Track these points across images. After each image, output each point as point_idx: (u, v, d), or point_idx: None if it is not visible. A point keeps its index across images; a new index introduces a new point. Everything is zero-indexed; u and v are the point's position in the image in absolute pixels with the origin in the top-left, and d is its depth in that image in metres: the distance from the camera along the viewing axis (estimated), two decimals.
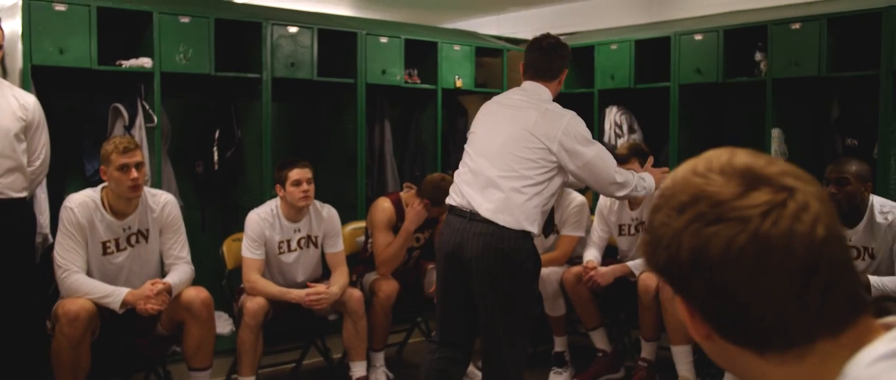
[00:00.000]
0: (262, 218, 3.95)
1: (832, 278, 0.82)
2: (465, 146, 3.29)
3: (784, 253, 0.81)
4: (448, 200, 3.23)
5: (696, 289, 0.85)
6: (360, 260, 4.54)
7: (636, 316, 4.22)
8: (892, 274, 3.34)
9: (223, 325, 4.28)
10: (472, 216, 3.06)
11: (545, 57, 3.23)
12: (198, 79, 4.45)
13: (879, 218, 3.37)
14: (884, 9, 4.05)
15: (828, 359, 0.84)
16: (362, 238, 4.58)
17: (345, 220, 4.74)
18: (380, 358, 4.22)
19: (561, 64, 3.22)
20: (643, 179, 3.26)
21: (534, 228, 3.05)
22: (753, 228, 0.81)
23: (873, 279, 3.25)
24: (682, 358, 4.02)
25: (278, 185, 3.95)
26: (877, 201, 3.43)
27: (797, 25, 4.43)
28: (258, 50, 4.59)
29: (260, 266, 3.92)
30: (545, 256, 4.07)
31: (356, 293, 4.01)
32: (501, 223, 3.00)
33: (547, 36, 3.28)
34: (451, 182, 4.27)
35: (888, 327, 0.86)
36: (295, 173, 3.88)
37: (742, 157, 0.87)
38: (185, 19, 4.26)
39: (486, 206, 3.02)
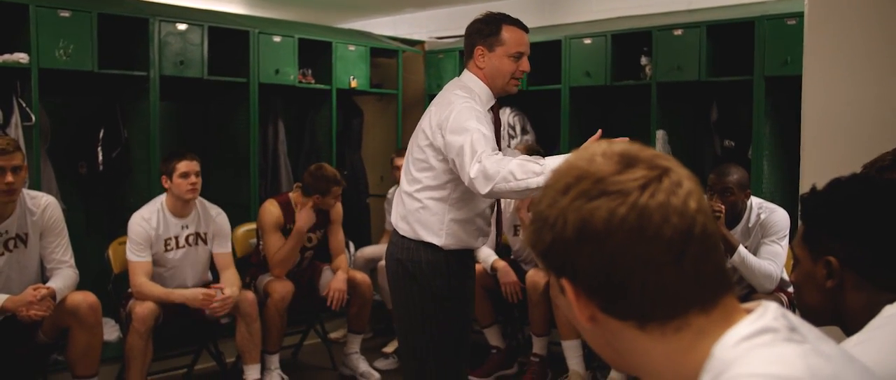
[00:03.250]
0: (146, 219, 3.85)
1: (704, 248, 0.89)
2: None
3: (661, 221, 0.87)
4: None
5: (582, 263, 0.90)
6: (252, 263, 4.46)
7: (527, 313, 4.33)
8: None
9: (110, 331, 4.12)
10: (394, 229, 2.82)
11: (464, 39, 2.81)
12: (80, 76, 4.27)
13: (754, 219, 3.58)
14: (756, 18, 4.30)
15: (701, 335, 0.90)
16: (255, 240, 4.52)
17: (237, 221, 4.66)
18: (274, 361, 4.17)
19: (472, 40, 2.72)
20: (531, 174, 2.34)
21: (438, 239, 2.66)
22: (633, 200, 0.88)
23: (741, 249, 3.46)
24: (572, 353, 4.15)
25: (165, 176, 3.87)
26: (754, 203, 3.64)
27: (679, 32, 4.64)
28: (145, 47, 4.45)
29: (147, 269, 3.81)
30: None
31: (249, 295, 3.96)
32: (401, 232, 2.73)
33: None
34: (328, 168, 4.26)
35: (750, 311, 0.93)
36: (183, 165, 3.82)
37: (619, 144, 0.95)
38: (66, 13, 4.08)
39: (393, 213, 2.80)
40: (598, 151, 0.93)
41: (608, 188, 0.89)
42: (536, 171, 2.30)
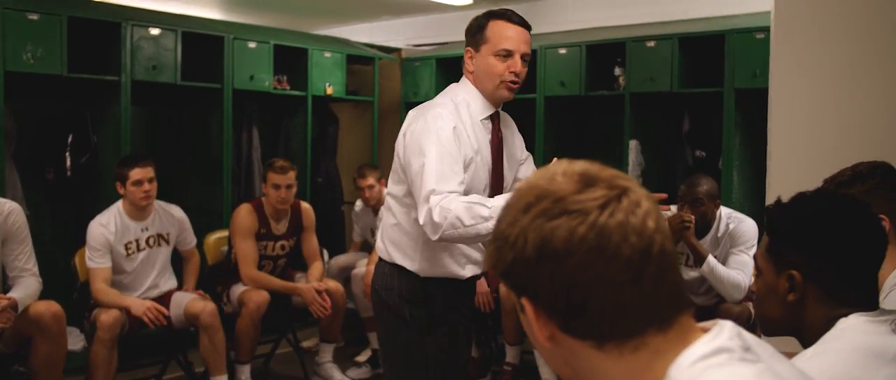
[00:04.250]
0: (104, 225, 3.83)
1: (662, 267, 0.90)
2: None
3: (620, 241, 0.88)
4: None
5: (542, 282, 0.90)
6: (224, 271, 4.42)
7: (501, 322, 4.33)
8: None
9: (74, 341, 4.05)
10: None
11: None
12: (49, 80, 4.23)
13: (723, 228, 3.61)
14: (727, 31, 4.35)
15: (658, 355, 0.91)
16: (227, 248, 4.48)
17: (209, 228, 4.63)
18: (246, 371, 4.13)
19: (466, 41, 2.41)
20: (478, 218, 2.06)
21: (412, 264, 2.32)
22: (592, 219, 0.88)
23: (710, 259, 3.49)
24: (544, 361, 4.15)
25: (119, 182, 3.85)
26: (724, 213, 3.67)
27: (652, 43, 4.68)
28: (117, 51, 4.41)
29: (106, 275, 3.80)
30: None
31: (209, 307, 3.90)
32: (379, 253, 2.43)
33: None
34: (282, 161, 4.23)
35: (706, 331, 0.94)
36: (136, 173, 3.81)
37: (580, 164, 0.95)
38: (34, 16, 4.04)
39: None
40: (558, 170, 0.94)
41: (569, 207, 0.89)
42: (484, 215, 2.03)
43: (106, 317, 3.61)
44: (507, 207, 0.95)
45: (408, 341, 2.36)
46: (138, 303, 3.77)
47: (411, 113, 2.35)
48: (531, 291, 0.92)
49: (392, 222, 2.36)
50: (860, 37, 2.53)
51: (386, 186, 4.78)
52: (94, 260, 3.78)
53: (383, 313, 2.41)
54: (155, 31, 4.57)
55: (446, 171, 2.15)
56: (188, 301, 3.93)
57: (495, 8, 2.35)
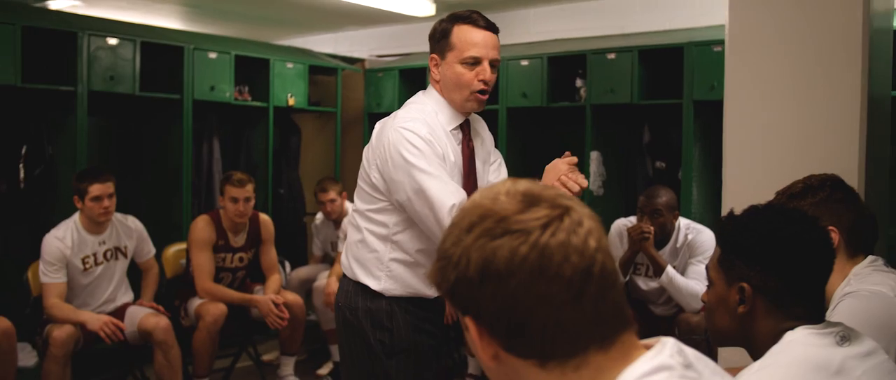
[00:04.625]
0: (60, 238, 3.76)
1: (603, 287, 0.90)
2: None
3: (561, 260, 0.88)
4: None
5: (485, 303, 0.90)
6: (183, 283, 4.36)
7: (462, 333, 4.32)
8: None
9: (27, 357, 3.97)
10: None
11: None
12: (2, 90, 4.15)
13: (682, 239, 3.66)
14: (685, 44, 4.42)
15: (600, 373, 0.91)
16: (185, 260, 4.42)
17: (168, 240, 4.56)
18: None
19: (430, 47, 2.27)
20: None
21: (376, 282, 2.21)
22: (534, 239, 0.88)
23: (669, 269, 3.53)
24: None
25: (76, 196, 3.79)
26: (683, 223, 3.72)
27: (613, 55, 4.73)
28: (73, 61, 4.34)
29: (60, 290, 3.72)
30: None
31: (163, 322, 3.84)
32: (343, 270, 2.32)
33: None
34: (240, 174, 4.17)
35: (649, 347, 0.94)
36: (95, 189, 3.75)
37: (524, 183, 0.95)
38: None
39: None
40: (502, 189, 0.94)
41: (511, 227, 0.89)
42: None
43: (59, 333, 3.53)
44: (452, 226, 0.95)
45: (371, 365, 2.24)
46: (94, 318, 3.70)
47: (378, 125, 2.24)
48: (475, 310, 0.92)
49: (357, 239, 2.24)
50: (811, 51, 2.57)
51: (347, 199, 4.83)
52: (49, 275, 3.70)
53: (345, 332, 2.29)
54: (113, 41, 4.51)
55: (446, 179, 2.07)
56: (141, 317, 3.86)
57: (461, 10, 2.22)
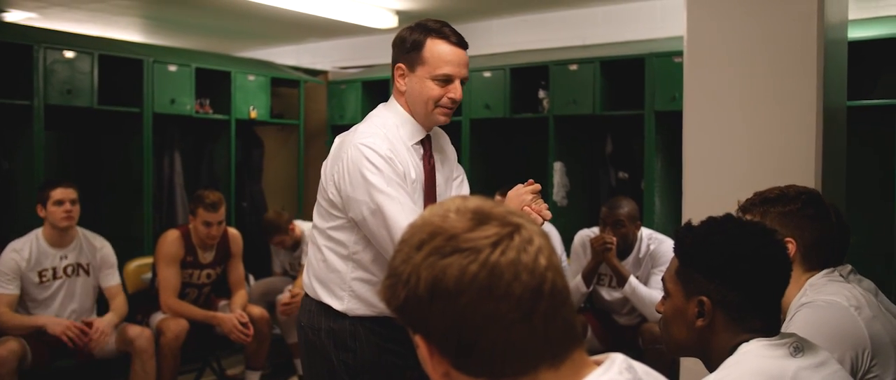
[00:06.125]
0: (17, 250, 3.71)
1: (553, 305, 0.90)
2: None
3: (511, 279, 0.87)
4: None
5: (434, 321, 0.89)
6: (147, 297, 4.29)
7: None
8: None
9: None
10: None
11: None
12: None
13: (644, 249, 3.70)
14: (646, 55, 4.47)
15: None
16: (149, 275, 4.35)
17: (130, 255, 4.49)
18: None
19: (393, 55, 2.18)
20: None
21: (339, 303, 2.14)
22: (484, 258, 0.88)
23: (632, 279, 3.58)
24: None
25: (40, 204, 3.74)
26: (645, 234, 3.76)
27: (575, 67, 4.77)
28: (29, 75, 4.26)
29: (11, 301, 3.65)
30: None
31: (145, 332, 3.83)
32: (305, 288, 2.25)
33: None
34: (212, 196, 4.06)
35: (599, 364, 0.95)
36: (58, 193, 3.71)
37: (474, 200, 0.95)
38: None
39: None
40: (452, 207, 0.93)
41: (461, 245, 0.89)
42: None
43: (1, 350, 3.45)
44: (401, 244, 0.94)
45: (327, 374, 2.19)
46: (54, 321, 3.64)
47: (337, 141, 2.18)
48: (424, 329, 0.91)
49: (318, 258, 2.17)
50: (768, 62, 2.60)
51: (295, 227, 4.80)
52: (1, 284, 3.64)
53: (308, 353, 2.22)
54: (70, 54, 4.44)
55: (405, 200, 2.02)
56: (123, 325, 3.84)
57: (430, 20, 2.12)
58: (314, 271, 2.19)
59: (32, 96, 4.28)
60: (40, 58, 4.29)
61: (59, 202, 3.70)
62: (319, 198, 2.18)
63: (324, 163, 2.19)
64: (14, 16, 5.04)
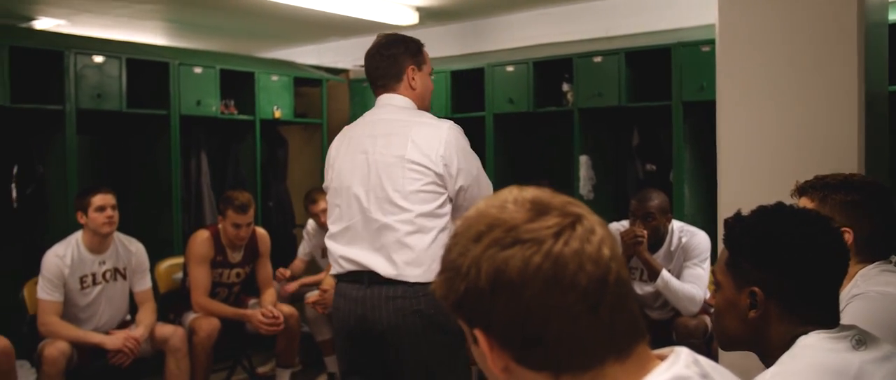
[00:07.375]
0: (60, 256, 3.74)
1: (619, 296, 0.88)
2: (328, 199, 2.62)
3: (576, 269, 0.86)
4: (333, 271, 2.59)
5: (497, 314, 0.87)
6: (179, 297, 4.34)
7: None
8: None
9: (26, 375, 3.94)
10: (370, 279, 2.42)
11: (376, 62, 2.55)
12: None
13: (675, 242, 3.65)
14: (672, 45, 4.44)
15: None
16: (180, 275, 4.40)
17: (160, 256, 4.54)
18: None
19: (401, 61, 2.51)
20: None
21: None
22: (547, 248, 0.86)
23: (664, 273, 3.52)
24: None
25: (80, 211, 3.77)
26: (676, 227, 3.70)
27: (599, 59, 4.76)
28: (60, 80, 4.32)
29: (57, 308, 3.69)
30: None
31: (179, 331, 3.89)
32: (412, 279, 2.37)
33: (376, 38, 2.60)
34: (241, 197, 4.10)
35: (663, 358, 0.94)
36: (98, 199, 3.74)
37: (530, 191, 0.93)
38: None
39: (384, 262, 2.40)
40: (509, 197, 0.92)
41: (522, 236, 0.87)
42: None
43: (51, 350, 3.51)
44: (456, 236, 0.92)
45: (455, 357, 2.43)
46: (111, 339, 3.69)
47: (421, 127, 2.45)
48: (485, 322, 0.89)
49: (427, 242, 2.37)
50: (805, 47, 2.52)
51: None
52: (47, 292, 3.67)
53: (437, 339, 2.39)
54: (99, 59, 4.49)
55: None
56: (156, 325, 3.90)
57: (395, 33, 2.60)
58: (429, 256, 2.36)
59: (64, 101, 4.33)
60: (71, 63, 4.34)
61: (101, 208, 3.73)
62: (416, 184, 2.38)
63: (407, 150, 2.40)
64: (44, 23, 5.09)
